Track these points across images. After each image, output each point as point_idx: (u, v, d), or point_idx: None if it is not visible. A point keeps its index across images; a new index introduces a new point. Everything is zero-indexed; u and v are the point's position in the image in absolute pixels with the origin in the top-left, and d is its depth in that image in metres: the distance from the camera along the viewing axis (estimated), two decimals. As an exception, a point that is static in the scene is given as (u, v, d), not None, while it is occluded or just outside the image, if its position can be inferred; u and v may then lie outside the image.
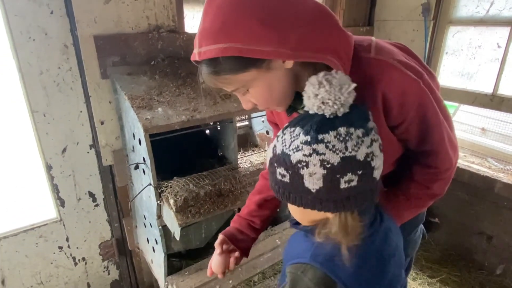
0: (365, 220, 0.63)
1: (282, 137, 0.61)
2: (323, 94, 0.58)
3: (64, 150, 1.48)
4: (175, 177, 1.28)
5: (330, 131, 0.56)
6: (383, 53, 0.70)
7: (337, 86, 0.58)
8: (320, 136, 0.56)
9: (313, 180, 0.57)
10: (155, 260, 1.52)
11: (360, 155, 0.56)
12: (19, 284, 1.55)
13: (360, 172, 0.57)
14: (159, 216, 1.29)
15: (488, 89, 2.00)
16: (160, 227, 1.31)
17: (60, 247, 1.61)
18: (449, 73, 2.22)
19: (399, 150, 0.81)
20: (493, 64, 1.97)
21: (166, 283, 1.40)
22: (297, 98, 0.72)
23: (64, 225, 1.58)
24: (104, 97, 1.46)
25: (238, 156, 1.59)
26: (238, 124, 1.99)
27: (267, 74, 0.65)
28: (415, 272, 2.09)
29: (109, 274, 1.82)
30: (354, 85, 0.59)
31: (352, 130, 0.57)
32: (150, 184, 1.25)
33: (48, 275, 1.62)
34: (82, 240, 1.66)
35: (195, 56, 0.65)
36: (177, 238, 1.20)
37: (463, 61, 2.14)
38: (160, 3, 1.50)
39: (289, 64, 0.65)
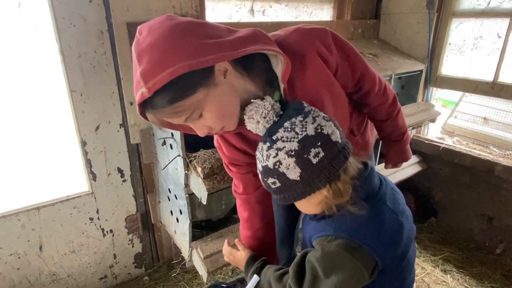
0: (355, 177, 0.73)
1: (257, 159, 0.76)
2: (255, 114, 0.74)
3: (97, 128, 1.62)
4: (201, 149, 1.41)
5: (278, 130, 0.71)
6: (286, 30, 0.84)
7: (255, 103, 0.75)
8: (274, 137, 0.71)
9: (292, 171, 0.69)
10: (179, 229, 1.65)
11: (310, 132, 0.69)
12: (54, 251, 1.70)
13: (319, 143, 0.68)
14: (187, 185, 1.42)
15: (489, 77, 2.12)
16: (186, 195, 1.44)
17: (91, 219, 1.75)
18: (452, 63, 2.33)
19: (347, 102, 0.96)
20: (493, 54, 2.09)
21: (190, 248, 1.53)
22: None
23: (95, 198, 1.72)
24: (134, 80, 1.60)
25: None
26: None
27: (215, 90, 0.70)
28: (419, 251, 2.21)
29: (133, 247, 1.96)
30: (276, 105, 0.75)
31: (293, 119, 0.70)
32: (178, 155, 1.39)
33: (80, 244, 1.76)
34: (111, 213, 1.80)
35: (143, 96, 0.64)
36: (204, 202, 1.33)
37: (465, 52, 2.25)
38: (185, -6, 1.64)
39: (231, 76, 0.72)
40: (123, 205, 1.83)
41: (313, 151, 0.67)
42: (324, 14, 2.37)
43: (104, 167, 1.70)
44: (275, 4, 2.11)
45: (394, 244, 0.73)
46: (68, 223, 1.68)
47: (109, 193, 1.76)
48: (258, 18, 2.03)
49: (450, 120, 2.95)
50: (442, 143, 2.38)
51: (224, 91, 0.72)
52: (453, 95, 3.08)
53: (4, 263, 1.58)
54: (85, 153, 1.62)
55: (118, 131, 1.68)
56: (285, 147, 0.68)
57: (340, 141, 0.71)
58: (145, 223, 1.94)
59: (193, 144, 1.46)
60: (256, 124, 0.75)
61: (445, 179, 2.43)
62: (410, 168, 2.40)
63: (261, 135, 0.76)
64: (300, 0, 2.21)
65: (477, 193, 2.27)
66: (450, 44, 2.31)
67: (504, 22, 1.99)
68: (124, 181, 1.79)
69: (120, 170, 1.75)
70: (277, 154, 0.69)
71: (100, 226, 1.79)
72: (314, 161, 0.67)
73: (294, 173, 0.68)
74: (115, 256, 1.91)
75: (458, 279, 1.95)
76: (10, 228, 1.54)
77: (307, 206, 0.77)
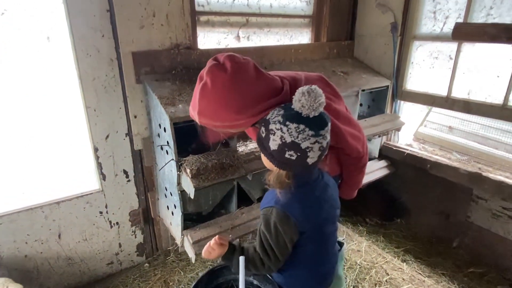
0: (294, 180, 1.06)
1: (272, 112, 1.04)
2: (303, 101, 0.98)
3: (107, 137, 1.97)
4: (190, 154, 1.75)
5: (294, 123, 0.98)
6: (308, 79, 1.19)
7: (313, 97, 0.97)
8: (287, 122, 0.99)
9: (272, 143, 1.01)
10: (174, 221, 1.99)
11: (303, 145, 0.98)
12: (70, 239, 2.04)
13: (299, 154, 0.99)
14: (179, 183, 1.76)
15: (444, 93, 2.44)
16: (179, 192, 1.78)
17: (101, 212, 2.09)
18: (415, 80, 2.66)
19: None
20: (447, 73, 2.41)
21: (182, 236, 1.87)
22: None
23: (104, 195, 2.07)
24: (137, 97, 1.95)
25: (238, 144, 2.07)
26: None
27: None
28: (384, 244, 2.52)
29: (135, 237, 2.29)
30: (323, 99, 1.00)
31: (307, 129, 0.97)
32: (172, 159, 1.73)
33: (91, 234, 2.10)
34: (117, 208, 2.14)
35: (195, 119, 1.15)
36: (192, 197, 1.67)
37: (424, 70, 2.58)
38: (180, 27, 1.99)
39: None
40: (128, 201, 2.17)
41: (291, 152, 0.99)
42: (303, 37, 2.72)
43: (112, 169, 2.05)
44: (258, 30, 2.46)
45: (311, 218, 1.09)
46: (82, 215, 2.03)
47: (116, 191, 2.10)
48: (243, 43, 2.39)
49: (420, 128, 3.27)
50: (407, 150, 2.70)
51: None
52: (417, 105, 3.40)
53: (30, 247, 1.92)
54: (97, 157, 1.97)
55: (124, 139, 2.03)
56: (284, 133, 0.98)
57: (309, 163, 1.02)
58: (146, 217, 2.28)
59: (181, 153, 1.80)
60: (299, 104, 0.99)
61: (410, 181, 2.74)
62: (379, 171, 2.72)
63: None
64: (281, 26, 2.57)
65: (435, 194, 2.58)
66: (412, 63, 2.64)
67: (454, 46, 2.33)
68: (129, 181, 2.13)
69: (125, 172, 2.10)
70: (277, 129, 1.00)
71: (108, 219, 2.14)
72: (286, 155, 1.00)
73: (272, 145, 1.01)
74: (120, 245, 2.25)
75: (414, 267, 2.26)
76: (35, 219, 1.89)
77: (269, 168, 1.11)
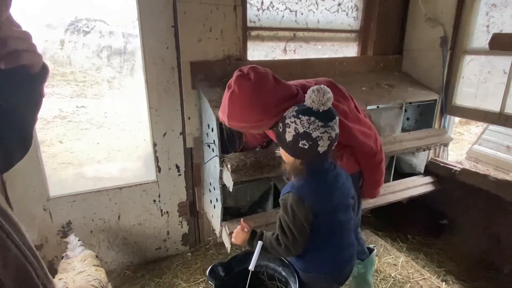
0: (307, 168, 1.19)
1: (288, 110, 1.20)
2: (313, 97, 1.16)
3: (165, 134, 2.26)
4: (231, 152, 1.95)
5: (306, 116, 1.15)
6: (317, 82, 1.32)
7: (322, 94, 1.16)
8: (300, 115, 1.16)
9: (288, 135, 1.17)
10: (215, 213, 2.19)
11: (314, 135, 1.14)
12: (127, 221, 2.35)
13: (310, 143, 1.14)
14: (221, 178, 1.96)
15: (496, 108, 2.34)
16: (220, 186, 1.98)
17: (154, 201, 2.38)
18: (465, 94, 2.58)
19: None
20: (500, 87, 2.31)
21: (221, 227, 2.05)
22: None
23: (158, 185, 2.35)
24: (192, 101, 2.22)
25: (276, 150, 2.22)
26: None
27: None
28: (424, 262, 2.43)
29: (181, 227, 2.54)
30: (331, 95, 1.16)
31: (317, 121, 1.13)
32: (216, 156, 1.94)
33: (144, 219, 2.39)
34: (168, 198, 2.42)
35: (225, 122, 1.36)
36: (231, 190, 1.85)
37: (476, 84, 2.50)
38: (232, 41, 2.24)
39: None
40: (177, 194, 2.44)
41: (304, 141, 1.14)
42: (349, 50, 2.82)
43: (167, 163, 2.33)
44: (305, 44, 2.62)
45: (323, 201, 1.22)
46: (138, 201, 2.33)
47: (168, 183, 2.38)
48: (290, 56, 2.57)
49: (474, 146, 3.10)
50: (455, 167, 2.60)
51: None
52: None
53: (95, 224, 2.26)
54: (155, 152, 2.27)
55: (178, 137, 2.31)
56: (297, 125, 1.14)
57: (320, 152, 1.16)
58: (192, 210, 2.52)
59: (224, 151, 2.01)
60: (310, 100, 1.17)
61: (458, 200, 2.61)
62: (423, 187, 2.64)
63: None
64: (327, 39, 2.70)
65: (486, 215, 2.43)
66: (463, 77, 2.57)
67: (508, 60, 2.24)
68: (180, 175, 2.40)
69: (177, 166, 2.37)
70: (292, 122, 1.16)
71: (159, 207, 2.41)
72: (299, 145, 1.15)
73: (288, 137, 1.17)
74: (168, 233, 2.51)
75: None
76: (101, 200, 2.23)
77: (287, 160, 1.26)
